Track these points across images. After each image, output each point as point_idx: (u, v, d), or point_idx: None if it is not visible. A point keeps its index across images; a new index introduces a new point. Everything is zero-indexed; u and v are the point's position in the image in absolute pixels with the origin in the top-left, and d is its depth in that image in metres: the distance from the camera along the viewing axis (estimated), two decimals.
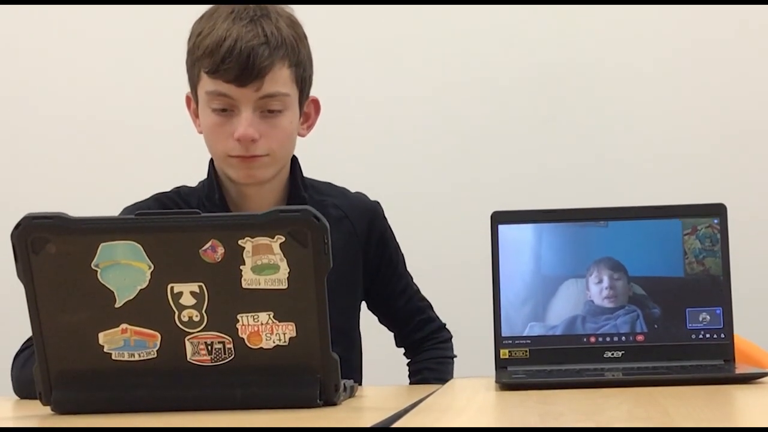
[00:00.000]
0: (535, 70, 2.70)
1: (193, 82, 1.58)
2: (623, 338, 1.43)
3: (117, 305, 1.08)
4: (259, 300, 1.07)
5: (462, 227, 2.64)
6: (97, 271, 1.07)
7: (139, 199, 1.64)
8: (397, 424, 0.93)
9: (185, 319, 1.08)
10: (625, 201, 1.51)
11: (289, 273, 1.06)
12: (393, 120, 2.73)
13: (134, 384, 1.09)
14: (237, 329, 1.08)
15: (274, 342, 1.08)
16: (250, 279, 1.07)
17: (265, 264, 1.06)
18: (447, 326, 1.81)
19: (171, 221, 1.07)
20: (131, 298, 1.08)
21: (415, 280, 1.80)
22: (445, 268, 2.62)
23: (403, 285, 1.76)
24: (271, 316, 1.08)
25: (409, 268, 1.79)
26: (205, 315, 1.08)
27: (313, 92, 1.64)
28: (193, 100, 1.61)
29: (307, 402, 1.08)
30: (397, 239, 1.76)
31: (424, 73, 2.73)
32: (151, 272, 1.07)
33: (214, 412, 1.07)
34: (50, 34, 2.77)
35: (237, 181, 1.59)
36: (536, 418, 0.92)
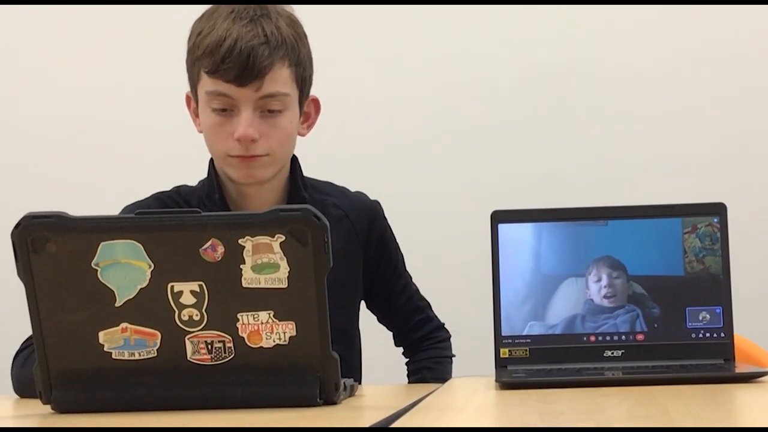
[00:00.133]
0: (535, 70, 2.70)
1: (193, 82, 1.58)
2: (623, 337, 1.43)
3: (117, 304, 1.08)
4: (260, 299, 1.07)
5: (462, 227, 2.64)
6: (97, 270, 1.07)
7: (139, 198, 1.64)
8: (396, 424, 0.93)
9: (185, 318, 1.08)
10: (625, 200, 1.51)
11: (289, 272, 1.06)
12: (393, 120, 2.73)
13: (134, 383, 1.09)
14: (237, 328, 1.08)
15: (274, 341, 1.08)
16: (250, 278, 1.07)
17: (266, 263, 1.06)
18: (446, 326, 1.81)
19: (171, 220, 1.07)
20: (131, 297, 1.08)
21: (415, 280, 1.80)
22: (445, 267, 2.62)
23: (402, 284, 1.76)
24: (271, 315, 1.08)
25: (409, 268, 1.79)
26: (205, 314, 1.08)
27: (313, 92, 1.64)
28: (193, 100, 1.61)
29: (307, 401, 1.08)
30: (397, 239, 1.76)
31: (424, 73, 2.73)
32: (152, 271, 1.07)
33: (215, 411, 1.07)
34: (50, 34, 2.77)
35: (237, 181, 1.59)
36: (536, 417, 0.92)
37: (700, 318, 1.43)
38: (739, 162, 2.67)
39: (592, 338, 1.43)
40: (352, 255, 1.68)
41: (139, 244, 1.07)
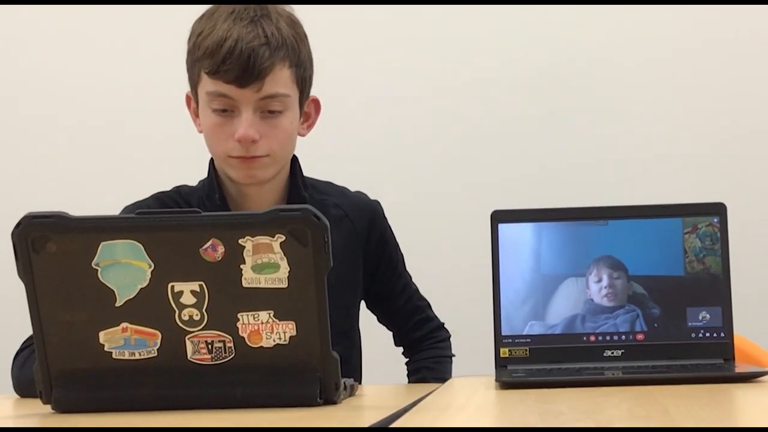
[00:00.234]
0: (535, 70, 2.70)
1: (194, 82, 1.58)
2: (623, 337, 1.43)
3: (117, 304, 1.08)
4: (260, 299, 1.07)
5: (462, 227, 2.64)
6: (97, 270, 1.07)
7: (140, 199, 1.64)
8: (397, 423, 0.93)
9: (185, 318, 1.08)
10: (625, 200, 1.51)
11: (289, 272, 1.06)
12: (393, 120, 2.73)
13: (134, 383, 1.09)
14: (237, 328, 1.08)
15: (274, 341, 1.08)
16: (250, 278, 1.07)
17: (266, 263, 1.06)
18: (446, 325, 1.81)
19: (171, 220, 1.07)
20: (132, 297, 1.08)
21: (415, 280, 1.80)
22: (445, 267, 2.62)
23: (402, 284, 1.76)
24: (272, 314, 1.08)
25: (409, 268, 1.79)
26: (205, 314, 1.08)
27: (314, 92, 1.64)
28: (193, 100, 1.61)
29: (307, 401, 1.08)
30: (397, 239, 1.76)
31: (424, 73, 2.73)
32: (152, 271, 1.07)
33: (215, 411, 1.07)
34: (50, 34, 2.77)
35: (237, 182, 1.59)
36: (536, 417, 0.92)
37: (700, 318, 1.43)
38: (739, 162, 2.67)
39: (592, 338, 1.43)
40: (352, 255, 1.68)
41: (140, 244, 1.07)
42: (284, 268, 1.06)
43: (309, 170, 1.69)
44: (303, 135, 1.65)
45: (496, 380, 1.28)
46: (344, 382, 1.13)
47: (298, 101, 1.59)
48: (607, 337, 1.43)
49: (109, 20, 2.75)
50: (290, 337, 1.08)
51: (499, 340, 1.43)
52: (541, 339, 1.43)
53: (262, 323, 1.08)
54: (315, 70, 1.63)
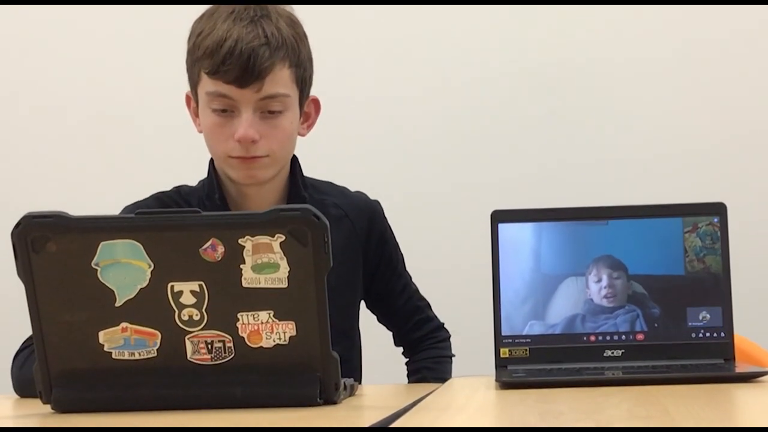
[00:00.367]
0: (535, 69, 2.70)
1: (193, 82, 1.58)
2: (623, 337, 1.43)
3: (117, 304, 1.08)
4: (259, 299, 1.07)
5: (462, 227, 2.64)
6: (97, 270, 1.07)
7: (140, 198, 1.64)
8: (397, 423, 0.93)
9: (185, 317, 1.08)
10: (625, 200, 1.51)
11: (289, 272, 1.06)
12: (393, 120, 2.73)
13: (134, 383, 1.09)
14: (237, 328, 1.08)
15: (274, 341, 1.08)
16: (250, 278, 1.07)
17: (266, 263, 1.06)
18: (446, 325, 1.81)
19: (171, 220, 1.07)
20: (131, 296, 1.08)
21: (414, 280, 1.80)
22: (445, 267, 2.62)
23: (402, 284, 1.76)
24: (271, 314, 1.08)
25: (409, 268, 1.79)
26: (205, 314, 1.08)
27: (314, 92, 1.64)
28: (192, 100, 1.61)
29: (307, 401, 1.08)
30: (397, 239, 1.76)
31: (424, 73, 2.73)
32: (152, 271, 1.07)
33: (214, 411, 1.07)
34: (50, 34, 2.77)
35: (237, 182, 1.59)
36: (536, 417, 0.92)
37: (701, 318, 1.43)
38: (739, 162, 2.67)
39: (592, 338, 1.43)
40: (352, 255, 1.68)
41: (139, 244, 1.07)
42: (284, 268, 1.06)
43: (309, 170, 1.69)
44: (303, 135, 1.65)
45: (496, 380, 1.28)
46: (344, 382, 1.13)
47: (298, 101, 1.59)
48: (607, 337, 1.43)
49: (109, 20, 2.75)
50: (290, 337, 1.08)
51: (499, 340, 1.43)
52: (541, 339, 1.43)
53: (262, 323, 1.08)
54: (315, 69, 1.63)
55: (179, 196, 1.65)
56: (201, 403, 1.08)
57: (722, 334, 1.42)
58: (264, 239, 1.06)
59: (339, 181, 1.75)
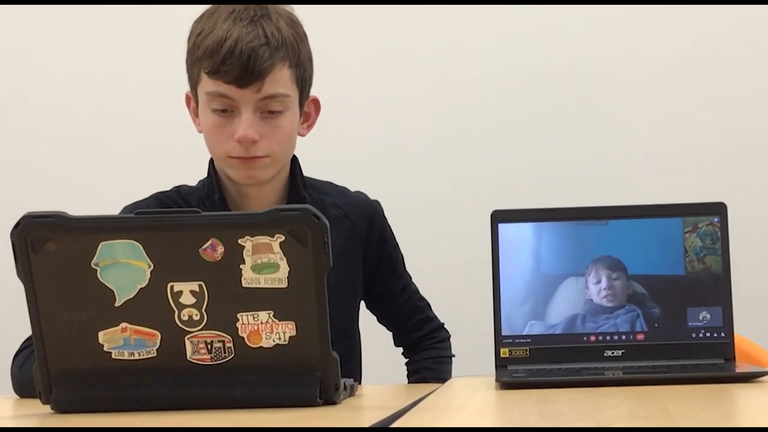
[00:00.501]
0: (535, 69, 2.70)
1: (193, 82, 1.58)
2: (623, 337, 1.43)
3: (117, 304, 1.08)
4: (259, 299, 1.07)
5: (462, 227, 2.64)
6: (96, 270, 1.07)
7: (139, 198, 1.64)
8: (397, 423, 0.93)
9: (185, 318, 1.08)
10: (625, 200, 1.51)
11: (289, 272, 1.06)
12: (393, 120, 2.73)
13: (134, 383, 1.09)
14: (237, 328, 1.08)
15: (273, 341, 1.08)
16: (250, 278, 1.07)
17: (265, 263, 1.06)
18: (446, 326, 1.81)
19: (171, 220, 1.07)
20: (131, 297, 1.08)
21: (415, 280, 1.80)
22: (445, 267, 2.62)
23: (402, 284, 1.76)
24: (271, 315, 1.08)
25: (409, 268, 1.79)
26: (205, 314, 1.08)
27: (314, 92, 1.64)
28: (192, 100, 1.61)
29: (307, 401, 1.08)
30: (397, 239, 1.76)
31: (424, 73, 2.73)
32: (151, 271, 1.07)
33: (214, 411, 1.07)
34: (50, 34, 2.77)
35: (237, 182, 1.59)
36: (536, 417, 0.92)
37: (701, 318, 1.42)
38: (739, 162, 2.67)
39: (592, 338, 1.43)
40: (352, 255, 1.68)
41: (139, 244, 1.06)
42: (284, 268, 1.06)
43: (309, 170, 1.69)
44: (303, 135, 1.65)
45: (496, 380, 1.28)
46: (344, 383, 1.13)
47: (298, 101, 1.59)
48: (608, 337, 1.43)
49: (109, 20, 2.75)
50: (290, 337, 1.08)
51: (499, 340, 1.43)
52: (541, 339, 1.43)
53: (262, 323, 1.08)
54: (315, 69, 1.63)
55: (179, 196, 1.65)
56: (201, 403, 1.08)
57: (722, 334, 1.42)
58: (264, 239, 1.06)
59: (339, 181, 1.75)
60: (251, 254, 1.06)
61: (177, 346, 1.08)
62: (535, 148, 2.70)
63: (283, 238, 1.06)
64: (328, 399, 1.09)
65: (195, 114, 1.61)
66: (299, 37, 1.57)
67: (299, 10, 1.62)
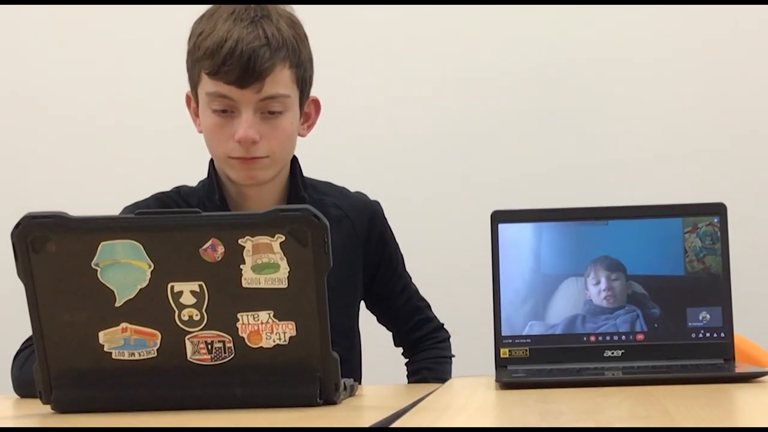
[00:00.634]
0: (535, 70, 2.70)
1: (194, 82, 1.58)
2: (623, 337, 1.43)
3: (117, 304, 1.08)
4: (259, 299, 1.07)
5: (462, 227, 2.64)
6: (97, 270, 1.07)
7: (140, 199, 1.64)
8: (397, 423, 0.93)
9: (185, 318, 1.08)
10: (625, 200, 1.51)
11: (289, 272, 1.06)
12: (393, 120, 2.73)
13: (134, 383, 1.09)
14: (237, 328, 1.08)
15: (274, 341, 1.08)
16: (250, 278, 1.07)
17: (265, 263, 1.06)
18: (446, 326, 1.81)
19: (171, 220, 1.07)
20: (131, 297, 1.08)
21: (415, 280, 1.80)
22: (445, 267, 2.62)
23: (402, 285, 1.76)
24: (271, 315, 1.08)
25: (409, 268, 1.79)
26: (205, 314, 1.08)
27: (314, 92, 1.64)
28: (193, 100, 1.61)
29: (307, 401, 1.08)
30: (397, 239, 1.76)
31: (424, 73, 2.73)
32: (151, 271, 1.07)
33: (215, 411, 1.07)
34: (50, 34, 2.77)
35: (237, 182, 1.59)
36: (536, 417, 0.92)
37: (701, 318, 1.43)
38: (739, 162, 2.67)
39: (592, 338, 1.43)
40: (352, 255, 1.68)
41: (139, 244, 1.07)
42: (284, 269, 1.06)
43: (309, 170, 1.69)
44: (303, 135, 1.65)
45: (496, 380, 1.28)
46: (344, 383, 1.13)
47: (299, 102, 1.59)
48: (607, 338, 1.43)
49: (109, 20, 2.75)
50: (290, 338, 1.08)
51: (499, 340, 1.43)
52: (541, 339, 1.43)
53: (262, 323, 1.08)
54: (315, 70, 1.63)
55: (179, 197, 1.65)
56: (201, 404, 1.08)
57: (722, 335, 1.42)
58: (264, 239, 1.06)
59: (339, 182, 1.75)
60: (251, 254, 1.06)
61: (177, 346, 1.09)
62: (535, 148, 2.70)
63: (284, 238, 1.06)
64: (328, 399, 1.09)
65: (195, 114, 1.61)
66: (300, 37, 1.57)
67: (300, 11, 1.62)
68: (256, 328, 1.08)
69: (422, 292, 1.80)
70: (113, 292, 1.08)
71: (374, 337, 1.80)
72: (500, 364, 1.42)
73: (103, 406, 1.09)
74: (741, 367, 1.35)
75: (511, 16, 2.71)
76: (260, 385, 1.09)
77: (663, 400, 1.03)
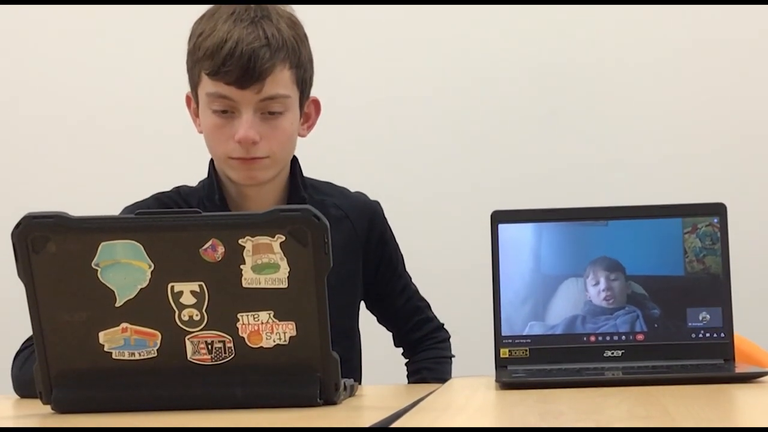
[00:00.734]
0: (535, 70, 2.70)
1: (194, 83, 1.58)
2: (623, 337, 1.43)
3: (117, 304, 1.08)
4: (260, 299, 1.07)
5: (462, 227, 2.64)
6: (97, 271, 1.07)
7: (140, 199, 1.64)
8: (397, 424, 0.93)
9: (185, 318, 1.08)
10: (625, 200, 1.51)
11: (289, 272, 1.06)
12: (393, 120, 2.73)
13: (134, 383, 1.09)
14: (237, 328, 1.08)
15: (274, 341, 1.08)
16: (250, 278, 1.07)
17: (266, 263, 1.06)
18: (446, 326, 1.81)
19: (171, 220, 1.07)
20: (131, 297, 1.08)
21: (415, 281, 1.80)
22: (445, 268, 2.62)
23: (402, 285, 1.76)
24: (272, 315, 1.08)
25: (408, 268, 1.79)
26: (205, 314, 1.08)
27: (314, 92, 1.64)
28: (193, 100, 1.61)
29: (307, 401, 1.08)
30: (397, 239, 1.76)
31: (424, 73, 2.73)
32: (152, 271, 1.07)
33: (215, 411, 1.07)
34: (50, 34, 2.77)
35: (237, 183, 1.59)
36: (536, 417, 0.92)
37: (700, 318, 1.43)
38: (739, 162, 2.67)
39: (592, 338, 1.43)
40: (352, 255, 1.68)
41: (139, 244, 1.07)
42: (284, 269, 1.06)
43: (309, 170, 1.69)
44: (303, 136, 1.65)
45: (496, 381, 1.28)
46: (344, 383, 1.13)
47: (299, 102, 1.59)
48: (607, 338, 1.43)
49: (109, 20, 2.75)
50: (290, 338, 1.08)
51: (499, 340, 1.43)
52: (541, 339, 1.43)
53: (262, 323, 1.08)
54: (315, 70, 1.63)
55: (179, 197, 1.65)
56: (201, 404, 1.08)
57: (722, 335, 1.42)
58: (264, 239, 1.06)
59: (339, 182, 1.75)
60: (251, 254, 1.06)
61: (177, 346, 1.09)
62: (535, 148, 2.70)
63: (284, 238, 1.06)
64: (328, 399, 1.09)
65: (195, 115, 1.61)
66: (300, 38, 1.57)
67: (300, 11, 1.62)
68: (256, 328, 1.08)
69: (422, 292, 1.80)
70: (113, 292, 1.08)
71: (374, 337, 1.80)
72: (500, 364, 1.42)
73: (103, 407, 1.09)
74: (741, 368, 1.35)
75: (511, 16, 2.71)
76: (260, 385, 1.09)
77: (663, 400, 1.03)
